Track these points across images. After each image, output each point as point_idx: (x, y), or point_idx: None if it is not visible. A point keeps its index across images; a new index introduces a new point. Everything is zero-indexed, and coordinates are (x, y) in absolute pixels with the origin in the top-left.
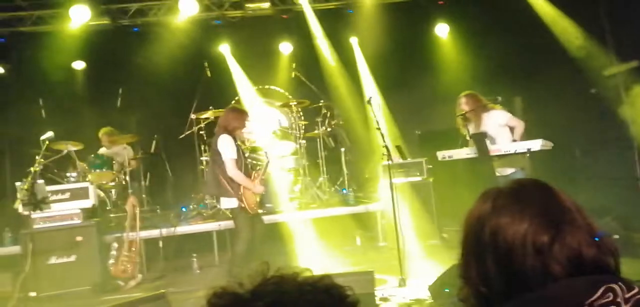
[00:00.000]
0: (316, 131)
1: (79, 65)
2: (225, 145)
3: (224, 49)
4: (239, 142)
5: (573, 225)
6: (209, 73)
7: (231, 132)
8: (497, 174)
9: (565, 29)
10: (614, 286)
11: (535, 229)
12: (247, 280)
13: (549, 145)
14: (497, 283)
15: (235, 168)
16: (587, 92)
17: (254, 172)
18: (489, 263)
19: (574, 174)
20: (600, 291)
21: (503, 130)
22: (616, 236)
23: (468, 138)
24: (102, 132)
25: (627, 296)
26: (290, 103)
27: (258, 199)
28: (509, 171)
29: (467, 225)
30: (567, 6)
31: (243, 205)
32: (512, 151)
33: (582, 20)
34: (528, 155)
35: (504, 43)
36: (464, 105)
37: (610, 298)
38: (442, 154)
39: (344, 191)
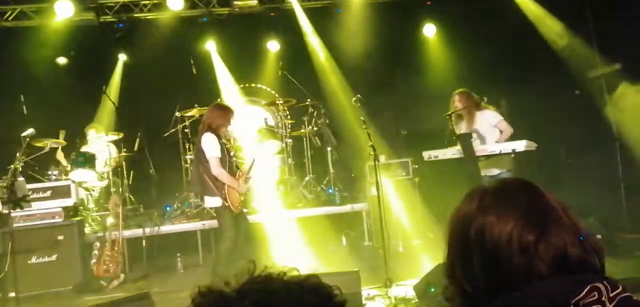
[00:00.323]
0: (302, 130)
1: (62, 61)
2: (209, 143)
3: (210, 46)
4: (224, 140)
5: (558, 224)
6: (194, 70)
7: (215, 130)
8: (483, 174)
9: (551, 28)
10: (599, 285)
11: (521, 228)
12: (232, 279)
13: (533, 146)
14: (482, 282)
15: (219, 167)
16: (572, 93)
17: (238, 171)
18: (474, 262)
19: (558, 175)
20: (585, 289)
21: (493, 132)
22: (599, 236)
23: (454, 137)
24: (87, 129)
25: (611, 295)
26: (277, 102)
27: (242, 198)
28: (495, 171)
29: (452, 224)
30: (553, 7)
31: (227, 204)
32: (497, 152)
33: (568, 21)
34: (513, 156)
35: (490, 44)
36: (457, 102)
37: (595, 297)
38: (428, 154)
39: (330, 191)
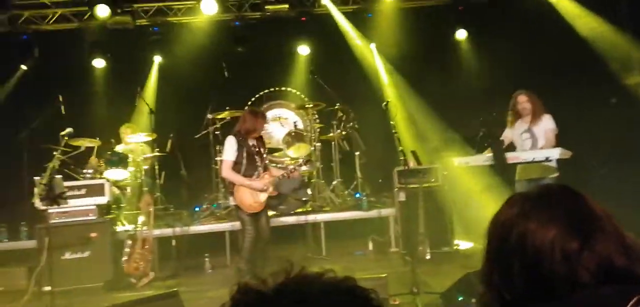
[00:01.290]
0: (331, 134)
1: (99, 63)
2: (226, 146)
3: (241, 49)
4: (253, 144)
5: (603, 232)
6: (226, 73)
7: (243, 134)
8: (526, 180)
9: (593, 28)
10: None
11: (564, 235)
12: (269, 278)
13: (567, 154)
14: (522, 289)
15: (227, 169)
16: (608, 100)
17: (267, 172)
18: (514, 269)
19: (591, 185)
20: (633, 301)
21: (547, 137)
22: None
23: (486, 144)
24: (122, 129)
25: None
26: (306, 105)
27: (261, 199)
28: (539, 178)
29: (492, 229)
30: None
31: (237, 204)
32: (530, 159)
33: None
34: (555, 164)
35: (522, 48)
36: (525, 102)
37: None
38: (458, 160)
39: (357, 195)
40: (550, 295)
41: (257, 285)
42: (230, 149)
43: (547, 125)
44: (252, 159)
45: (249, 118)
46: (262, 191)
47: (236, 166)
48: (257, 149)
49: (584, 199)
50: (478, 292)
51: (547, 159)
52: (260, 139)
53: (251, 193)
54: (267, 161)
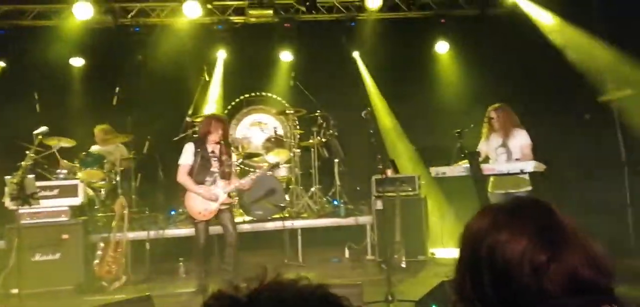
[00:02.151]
0: (311, 140)
1: (78, 62)
2: (183, 150)
3: (222, 54)
4: (211, 149)
5: (571, 245)
6: (207, 77)
7: (202, 138)
8: (500, 193)
9: (568, 41)
10: (609, 306)
11: (533, 248)
12: (243, 284)
13: (541, 167)
14: (492, 300)
15: (182, 174)
16: (582, 115)
17: (216, 179)
18: (485, 279)
19: (565, 198)
20: None
21: (524, 153)
22: None
23: (462, 155)
24: (98, 129)
25: None
26: (287, 111)
27: (212, 208)
28: (512, 191)
29: (464, 240)
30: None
31: (185, 210)
32: (505, 171)
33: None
34: (528, 176)
35: (501, 62)
36: (495, 118)
37: None
38: (435, 171)
39: (335, 202)
40: (519, 306)
41: (231, 291)
42: (185, 153)
43: (521, 140)
44: (205, 165)
45: (205, 122)
46: (210, 199)
47: (191, 171)
48: (217, 155)
49: (553, 212)
50: (451, 301)
51: (521, 172)
52: (224, 145)
53: (202, 201)
54: (234, 168)
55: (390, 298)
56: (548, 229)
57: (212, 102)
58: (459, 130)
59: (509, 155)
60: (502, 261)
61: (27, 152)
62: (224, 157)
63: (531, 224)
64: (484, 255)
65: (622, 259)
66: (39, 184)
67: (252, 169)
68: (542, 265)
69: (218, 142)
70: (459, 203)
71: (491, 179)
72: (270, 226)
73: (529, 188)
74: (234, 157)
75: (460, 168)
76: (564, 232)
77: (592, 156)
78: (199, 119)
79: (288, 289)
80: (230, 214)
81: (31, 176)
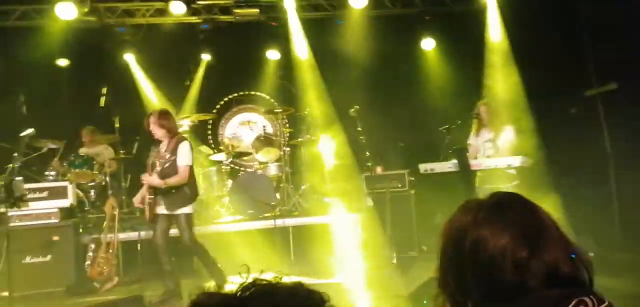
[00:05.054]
0: (300, 139)
1: (63, 62)
2: (184, 151)
3: (206, 56)
4: (159, 148)
5: (551, 241)
6: (192, 76)
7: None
8: (486, 188)
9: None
10: (586, 298)
11: (514, 244)
12: (232, 284)
13: (528, 162)
14: (475, 294)
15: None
16: (568, 110)
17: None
18: (467, 274)
19: (551, 192)
20: (573, 303)
21: (509, 148)
22: (591, 254)
23: (450, 151)
24: (85, 131)
25: None
26: (276, 110)
27: (148, 204)
28: (500, 186)
29: (446, 235)
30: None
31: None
32: (492, 166)
33: (563, 38)
34: (514, 171)
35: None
36: (484, 112)
37: None
38: (424, 167)
39: (326, 200)
40: (501, 299)
41: (222, 290)
42: (189, 152)
43: (508, 136)
44: (153, 164)
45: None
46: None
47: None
48: (160, 153)
49: (534, 207)
50: (433, 295)
51: (508, 167)
52: (169, 142)
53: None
54: (166, 165)
55: (381, 294)
56: (529, 225)
57: (199, 101)
58: (446, 126)
59: (496, 151)
60: (484, 257)
61: (14, 154)
62: (163, 155)
63: (512, 219)
64: (467, 250)
65: (607, 253)
66: (27, 186)
67: (242, 168)
68: (523, 260)
69: (165, 139)
70: (448, 199)
71: (478, 173)
72: (260, 224)
73: (516, 182)
74: (224, 156)
75: (449, 164)
76: (544, 228)
77: (578, 149)
78: (187, 119)
79: (278, 288)
80: (164, 217)
81: (19, 178)
